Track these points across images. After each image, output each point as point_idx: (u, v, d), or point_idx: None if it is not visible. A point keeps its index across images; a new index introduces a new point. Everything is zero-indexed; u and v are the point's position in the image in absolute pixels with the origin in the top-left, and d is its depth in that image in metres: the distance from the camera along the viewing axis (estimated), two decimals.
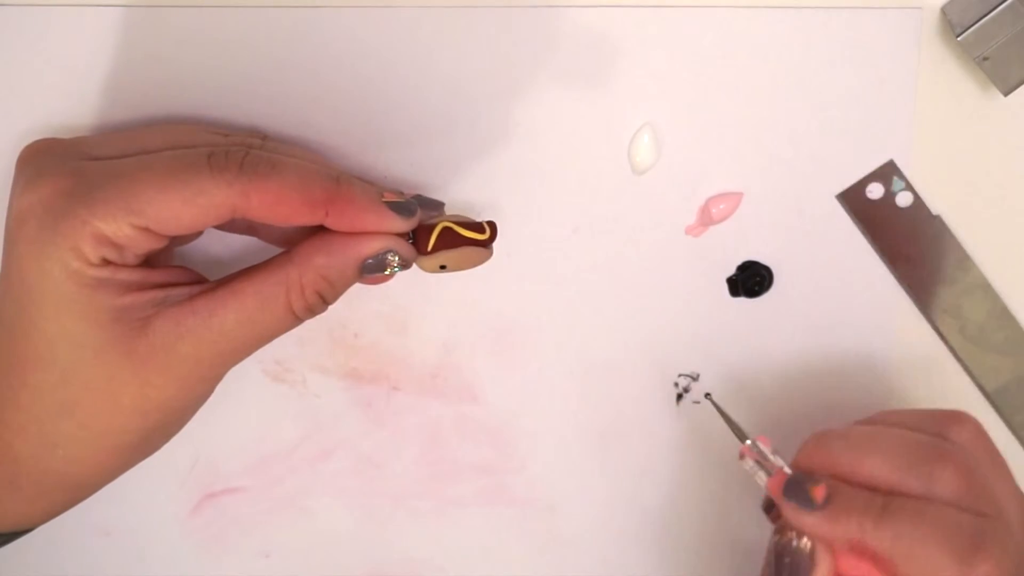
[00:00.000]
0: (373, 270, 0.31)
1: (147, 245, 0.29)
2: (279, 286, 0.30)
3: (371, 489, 0.40)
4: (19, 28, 0.34)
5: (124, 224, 0.28)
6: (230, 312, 0.29)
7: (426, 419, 0.39)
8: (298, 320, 0.31)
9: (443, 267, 0.32)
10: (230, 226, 0.34)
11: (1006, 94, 0.34)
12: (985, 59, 0.34)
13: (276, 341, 0.31)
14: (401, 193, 0.32)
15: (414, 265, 0.32)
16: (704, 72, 0.35)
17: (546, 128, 0.36)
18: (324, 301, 0.31)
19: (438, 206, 0.33)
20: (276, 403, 0.39)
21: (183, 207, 0.28)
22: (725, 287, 0.38)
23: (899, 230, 0.37)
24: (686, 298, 0.38)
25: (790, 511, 0.30)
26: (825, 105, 0.36)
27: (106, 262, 0.28)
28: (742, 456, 0.32)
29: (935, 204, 0.37)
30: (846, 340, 0.38)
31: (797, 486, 0.30)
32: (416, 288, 0.37)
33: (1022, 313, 0.38)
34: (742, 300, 0.38)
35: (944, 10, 0.35)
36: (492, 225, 0.33)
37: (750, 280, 0.38)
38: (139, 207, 0.28)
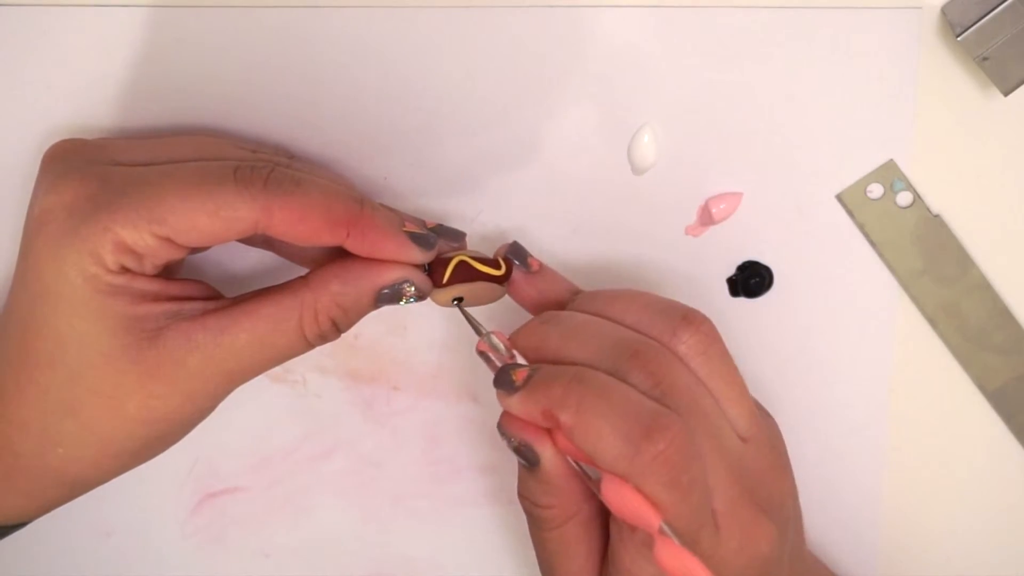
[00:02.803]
0: (388, 300, 0.31)
1: (167, 255, 0.29)
2: (293, 310, 0.30)
3: (371, 489, 0.40)
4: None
5: (146, 232, 0.28)
6: (241, 332, 0.29)
7: (426, 419, 0.39)
8: (309, 345, 0.31)
9: (456, 302, 0.32)
10: (249, 240, 0.34)
11: (1006, 94, 0.34)
12: (985, 59, 0.34)
13: None
14: (423, 223, 0.32)
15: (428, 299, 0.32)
16: (704, 72, 0.35)
17: (546, 128, 0.36)
18: (337, 328, 0.31)
19: (459, 236, 0.33)
20: (276, 403, 0.39)
21: (206, 219, 0.28)
22: (725, 287, 0.38)
23: (899, 230, 0.37)
24: (686, 298, 0.37)
25: (499, 398, 0.29)
26: (825, 105, 0.36)
27: (124, 270, 0.28)
28: (479, 351, 0.31)
29: (935, 204, 0.37)
30: (846, 340, 0.38)
31: (504, 373, 0.29)
32: None
33: (1022, 313, 0.38)
34: (742, 300, 0.38)
35: (944, 10, 0.35)
36: (508, 262, 0.33)
37: (750, 280, 0.38)
38: (162, 216, 0.28)
